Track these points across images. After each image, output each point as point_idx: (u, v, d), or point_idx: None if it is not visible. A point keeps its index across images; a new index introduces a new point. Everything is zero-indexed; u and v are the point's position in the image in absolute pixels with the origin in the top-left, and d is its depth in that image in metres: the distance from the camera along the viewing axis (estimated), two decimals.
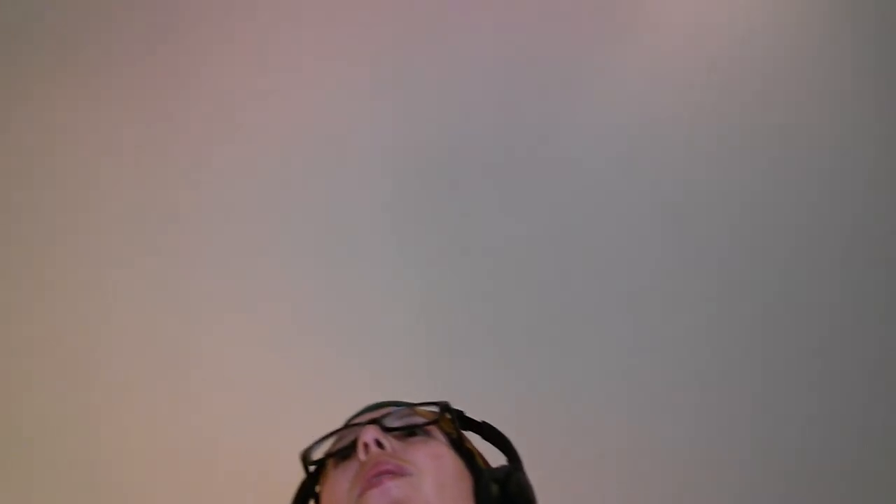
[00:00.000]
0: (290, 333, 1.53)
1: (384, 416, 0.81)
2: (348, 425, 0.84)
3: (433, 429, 0.82)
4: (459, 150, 1.59)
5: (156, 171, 1.60)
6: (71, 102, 1.64)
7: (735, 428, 1.49)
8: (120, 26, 1.66)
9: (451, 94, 1.60)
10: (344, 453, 0.80)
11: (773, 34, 1.59)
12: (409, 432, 0.80)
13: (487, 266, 1.54)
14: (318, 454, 0.84)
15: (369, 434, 0.76)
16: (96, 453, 1.52)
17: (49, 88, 1.65)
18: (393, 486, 0.72)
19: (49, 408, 1.53)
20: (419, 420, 0.82)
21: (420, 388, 1.51)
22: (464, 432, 0.88)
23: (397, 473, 0.74)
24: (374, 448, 0.76)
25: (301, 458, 0.83)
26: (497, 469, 0.81)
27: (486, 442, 0.87)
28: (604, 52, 1.59)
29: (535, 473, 0.83)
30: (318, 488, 0.85)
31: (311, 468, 0.83)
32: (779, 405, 1.50)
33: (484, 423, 0.88)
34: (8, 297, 1.58)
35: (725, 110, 1.59)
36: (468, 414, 0.88)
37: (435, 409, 0.83)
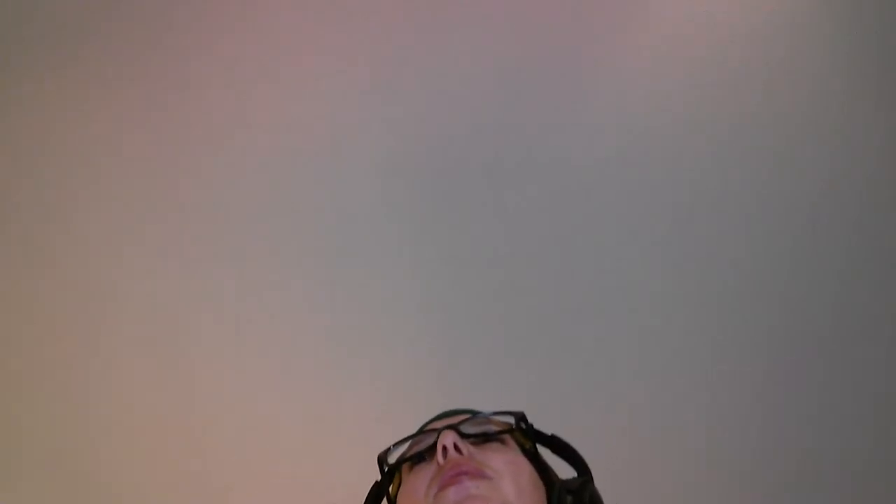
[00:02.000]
0: (290, 336, 1.52)
1: (460, 423, 0.80)
2: (424, 430, 0.84)
3: (508, 438, 0.82)
4: (458, 151, 1.59)
5: (153, 174, 1.60)
6: (72, 102, 1.64)
7: (742, 428, 1.48)
8: (120, 28, 1.66)
9: (451, 95, 1.59)
10: (420, 457, 0.80)
11: (774, 32, 1.58)
12: (484, 439, 0.80)
13: (489, 268, 1.53)
14: (393, 458, 0.83)
15: (448, 438, 0.76)
16: (94, 456, 1.52)
17: (50, 88, 1.64)
18: (472, 486, 0.72)
19: (48, 410, 1.53)
20: (494, 428, 0.82)
21: (421, 389, 1.52)
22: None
23: (476, 475, 0.73)
24: (452, 452, 0.75)
25: (378, 460, 0.82)
26: (570, 480, 0.79)
27: (554, 455, 0.87)
28: (602, 51, 1.59)
29: None
30: (391, 490, 0.84)
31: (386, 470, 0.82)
32: (783, 404, 1.49)
33: (553, 435, 0.86)
34: (7, 297, 1.58)
35: (726, 109, 1.58)
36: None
37: (510, 418, 0.83)
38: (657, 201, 1.57)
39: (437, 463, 0.75)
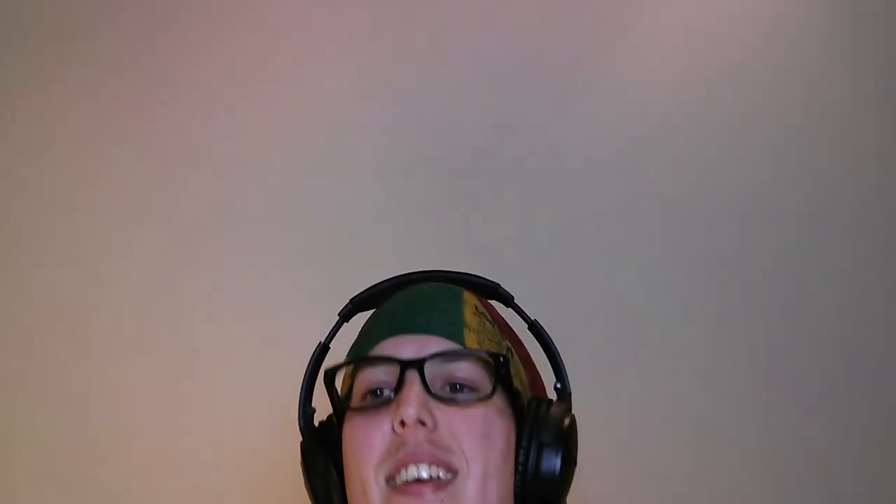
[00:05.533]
0: (289, 337, 1.52)
1: (430, 359, 0.71)
2: (382, 357, 0.74)
3: (483, 376, 0.74)
4: (458, 152, 1.59)
5: (150, 175, 1.60)
6: (70, 102, 1.64)
7: (738, 430, 1.48)
8: (118, 27, 1.66)
9: (448, 95, 1.60)
10: (376, 399, 0.73)
11: (773, 35, 1.58)
12: (454, 393, 0.72)
13: (489, 267, 1.53)
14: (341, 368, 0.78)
15: (410, 412, 0.69)
16: (92, 457, 1.51)
17: (48, 88, 1.64)
18: (433, 499, 0.69)
19: (45, 409, 1.52)
20: (469, 376, 0.74)
21: None
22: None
23: (441, 465, 0.69)
24: (412, 427, 0.69)
25: (325, 376, 0.77)
26: (543, 424, 0.74)
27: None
28: (603, 52, 1.59)
29: None
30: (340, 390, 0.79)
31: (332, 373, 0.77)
32: (782, 405, 1.49)
33: (535, 321, 0.82)
34: (5, 296, 1.58)
35: (724, 111, 1.58)
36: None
37: (485, 356, 0.74)
38: (658, 201, 1.57)
39: (393, 430, 0.70)
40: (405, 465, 0.70)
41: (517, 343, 0.84)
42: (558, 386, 0.81)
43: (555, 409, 0.76)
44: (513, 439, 0.75)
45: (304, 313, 1.53)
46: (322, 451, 0.78)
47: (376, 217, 1.58)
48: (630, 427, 1.49)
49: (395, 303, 0.80)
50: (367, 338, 0.79)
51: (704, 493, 1.48)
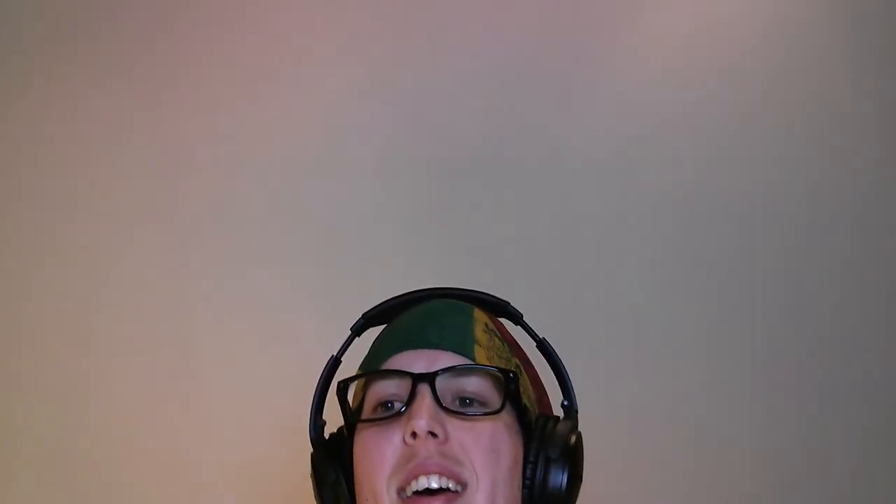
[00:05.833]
0: (288, 337, 1.52)
1: (441, 373, 0.73)
2: (394, 371, 0.75)
3: (493, 393, 0.75)
4: (456, 152, 1.59)
5: (151, 175, 1.60)
6: (70, 102, 1.63)
7: (738, 430, 1.48)
8: (118, 27, 1.66)
9: (448, 95, 1.60)
10: (387, 411, 0.74)
11: (773, 35, 1.58)
12: (464, 408, 0.74)
13: (484, 269, 1.53)
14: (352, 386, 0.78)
15: (421, 423, 0.70)
16: (91, 457, 1.51)
17: (48, 87, 1.64)
18: None
19: (45, 409, 1.52)
20: (479, 391, 0.75)
21: None
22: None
23: (450, 478, 0.71)
24: (423, 439, 0.71)
25: (337, 388, 0.77)
26: (550, 441, 0.75)
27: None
28: (603, 52, 1.59)
29: None
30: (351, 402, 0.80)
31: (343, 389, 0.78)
32: (781, 406, 1.49)
33: (543, 339, 0.83)
34: (4, 295, 1.58)
35: (724, 111, 1.58)
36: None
37: (495, 371, 0.75)
38: (658, 201, 1.57)
39: (405, 441, 0.72)
40: (415, 476, 0.71)
41: (526, 361, 0.85)
42: (565, 403, 0.82)
43: (561, 427, 0.78)
44: (520, 455, 0.76)
45: (304, 313, 1.53)
46: (332, 463, 0.78)
47: (376, 217, 1.58)
48: (630, 427, 1.48)
49: (406, 318, 0.81)
50: (379, 352, 0.80)
51: (704, 493, 1.47)
